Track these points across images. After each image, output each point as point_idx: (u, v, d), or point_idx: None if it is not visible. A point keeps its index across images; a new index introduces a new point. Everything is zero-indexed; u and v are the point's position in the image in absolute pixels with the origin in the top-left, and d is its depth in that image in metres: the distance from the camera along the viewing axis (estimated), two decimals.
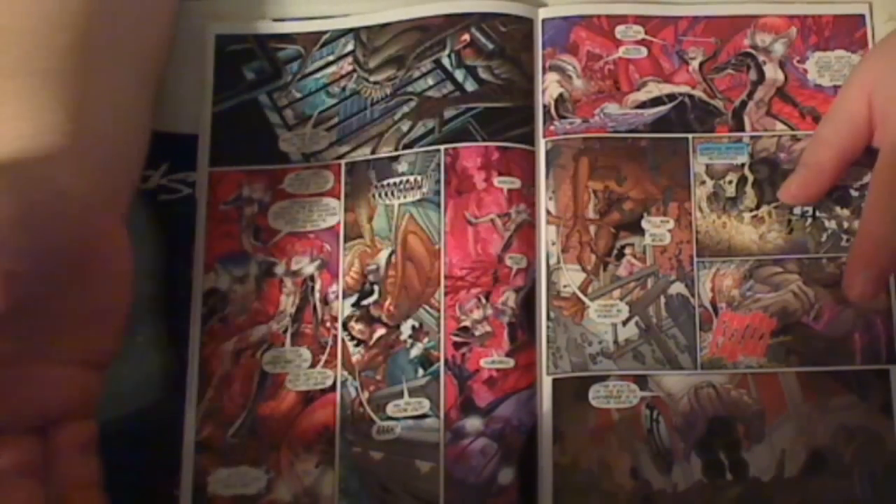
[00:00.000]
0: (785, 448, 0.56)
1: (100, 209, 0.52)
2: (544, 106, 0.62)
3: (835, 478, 0.56)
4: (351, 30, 0.64)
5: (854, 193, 0.59)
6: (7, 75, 0.52)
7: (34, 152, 0.49)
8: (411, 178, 0.60)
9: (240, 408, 0.58)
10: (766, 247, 0.59)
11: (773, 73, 0.62)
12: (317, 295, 0.59)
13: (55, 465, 0.50)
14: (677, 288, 0.59)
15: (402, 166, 0.61)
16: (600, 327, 0.58)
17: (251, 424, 0.57)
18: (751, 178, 0.60)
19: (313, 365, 0.58)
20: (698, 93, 0.62)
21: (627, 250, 0.60)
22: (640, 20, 0.63)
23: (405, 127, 0.61)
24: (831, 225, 0.59)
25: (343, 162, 0.61)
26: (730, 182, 0.60)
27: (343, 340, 0.58)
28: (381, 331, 0.58)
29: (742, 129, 0.61)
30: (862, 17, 0.63)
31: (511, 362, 0.57)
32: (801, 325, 0.58)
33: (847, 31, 0.63)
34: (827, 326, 0.58)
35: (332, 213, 0.60)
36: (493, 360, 0.57)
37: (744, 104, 0.62)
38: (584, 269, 0.59)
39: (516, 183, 0.60)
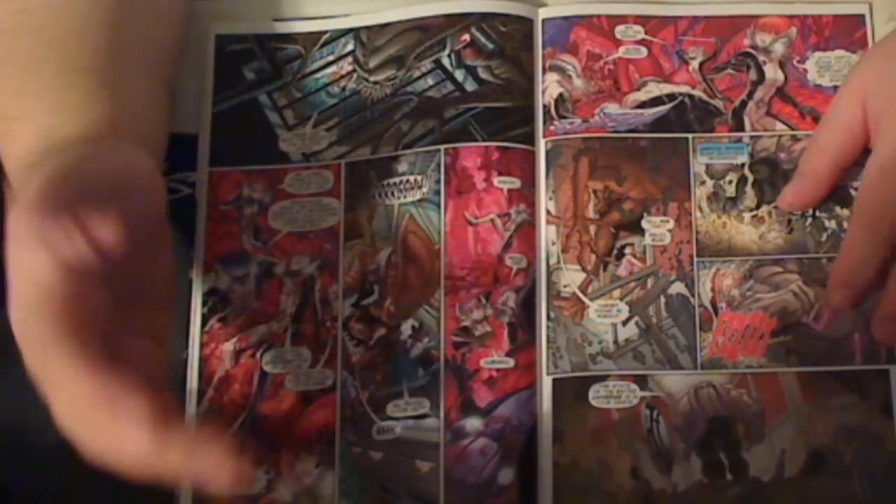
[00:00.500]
0: (785, 448, 0.56)
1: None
2: (544, 106, 0.62)
3: (835, 478, 0.56)
4: (351, 30, 0.64)
5: (854, 193, 0.59)
6: (58, 71, 0.54)
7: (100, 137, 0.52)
8: (411, 178, 0.60)
9: (240, 408, 0.58)
10: (766, 247, 0.59)
11: (773, 73, 0.62)
12: (317, 295, 0.59)
13: None
14: (677, 288, 0.59)
15: (402, 166, 0.61)
16: (600, 327, 0.58)
17: (251, 424, 0.57)
18: (751, 178, 0.60)
19: (313, 365, 0.58)
20: (698, 93, 0.62)
21: (627, 250, 0.60)
22: (640, 20, 0.63)
23: (405, 127, 0.61)
24: (831, 225, 0.59)
25: (343, 162, 0.61)
26: (730, 182, 0.60)
27: (343, 340, 0.58)
28: (381, 331, 0.58)
29: (742, 129, 0.61)
30: (862, 17, 0.63)
31: (511, 362, 0.57)
32: (801, 325, 0.58)
33: (847, 31, 0.63)
34: (827, 326, 0.58)
35: (332, 213, 0.60)
36: (493, 360, 0.57)
37: (744, 104, 0.62)
38: (584, 269, 0.59)
39: (516, 183, 0.60)
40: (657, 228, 0.60)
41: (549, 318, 0.58)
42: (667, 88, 0.62)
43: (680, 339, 0.58)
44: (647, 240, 0.60)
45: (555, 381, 0.57)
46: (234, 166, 0.61)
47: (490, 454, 0.56)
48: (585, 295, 0.59)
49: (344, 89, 0.63)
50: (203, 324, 0.59)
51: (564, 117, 0.62)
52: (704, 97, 0.62)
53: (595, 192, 0.60)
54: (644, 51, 0.63)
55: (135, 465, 0.45)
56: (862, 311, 0.58)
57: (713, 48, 0.63)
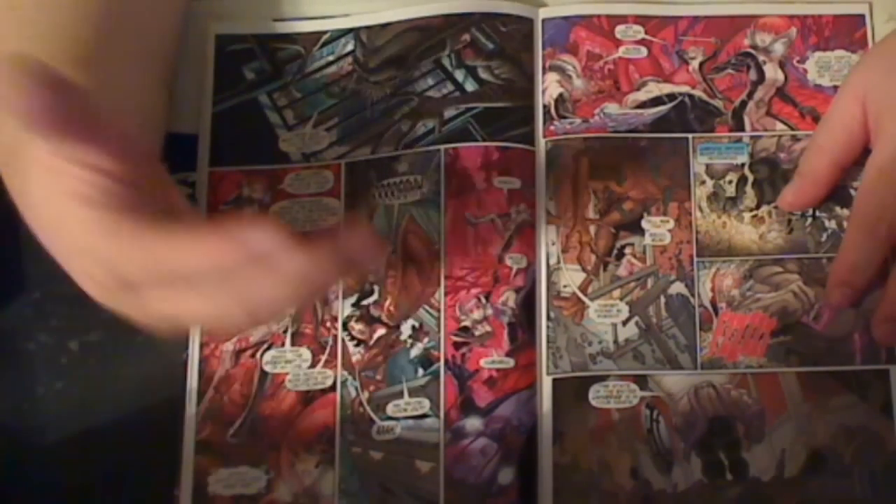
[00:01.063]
0: (785, 448, 0.56)
1: None
2: (544, 106, 0.62)
3: (835, 478, 0.56)
4: (351, 30, 0.64)
5: (854, 193, 0.59)
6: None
7: None
8: (411, 178, 0.60)
9: (240, 408, 0.58)
10: (766, 247, 0.59)
11: (773, 73, 0.62)
12: None
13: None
14: (677, 288, 0.59)
15: (402, 166, 0.61)
16: (600, 327, 0.58)
17: (251, 424, 0.57)
18: (751, 177, 0.60)
19: (313, 365, 0.58)
20: (698, 93, 0.62)
21: (627, 250, 0.60)
22: (640, 20, 0.63)
23: (405, 127, 0.61)
24: (831, 225, 0.59)
25: (343, 162, 0.61)
26: (730, 182, 0.60)
27: (343, 340, 0.58)
28: (381, 331, 0.58)
29: (742, 129, 0.61)
30: (862, 17, 0.63)
31: (511, 362, 0.57)
32: (801, 325, 0.58)
33: (847, 31, 0.63)
34: (827, 326, 0.58)
35: (332, 213, 0.60)
36: (493, 360, 0.57)
37: (744, 104, 0.62)
38: (584, 269, 0.59)
39: (516, 183, 0.60)
40: (657, 228, 0.60)
41: (549, 318, 0.58)
42: (667, 88, 0.62)
43: (680, 339, 0.58)
44: (647, 240, 0.60)
45: (555, 381, 0.57)
46: (234, 166, 0.61)
47: (490, 454, 0.56)
48: (585, 295, 0.59)
49: (344, 89, 0.63)
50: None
51: (564, 117, 0.62)
52: (704, 97, 0.62)
53: (595, 192, 0.60)
54: (644, 51, 0.63)
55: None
56: (862, 311, 0.58)
57: (713, 48, 0.63)
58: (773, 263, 0.59)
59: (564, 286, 0.59)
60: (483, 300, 0.58)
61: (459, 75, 0.62)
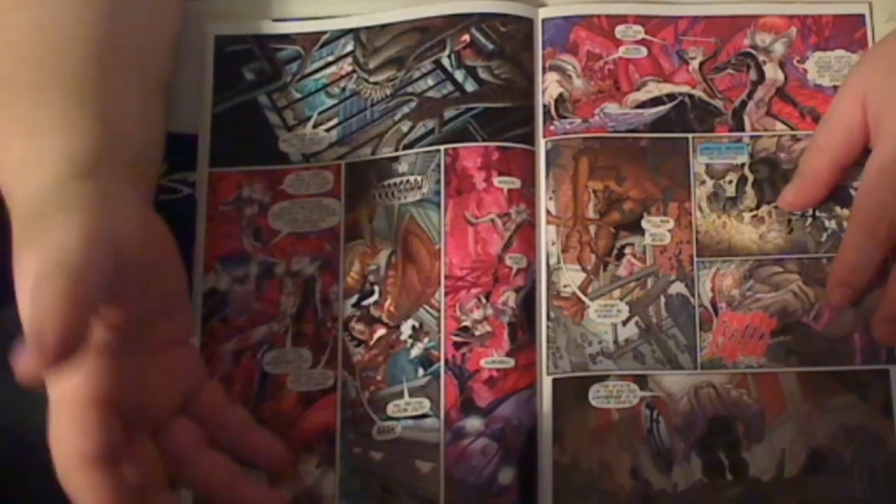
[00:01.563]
0: (785, 448, 0.56)
1: (145, 205, 0.54)
2: (544, 106, 0.62)
3: (835, 478, 0.56)
4: (351, 30, 0.64)
5: (854, 193, 0.59)
6: (37, 89, 0.53)
7: (81, 172, 0.51)
8: (411, 179, 0.60)
9: None
10: (766, 247, 0.59)
11: (773, 73, 0.62)
12: (317, 295, 0.59)
13: (214, 421, 0.54)
14: (677, 288, 0.59)
15: (402, 167, 0.61)
16: (600, 327, 0.58)
17: None
18: (751, 177, 0.60)
19: (314, 365, 0.58)
20: (698, 93, 0.62)
21: (627, 250, 0.60)
22: (640, 20, 0.63)
23: (405, 127, 0.61)
24: (831, 225, 0.59)
25: (343, 162, 0.61)
26: (730, 182, 0.60)
27: (344, 341, 0.58)
28: (381, 331, 0.58)
29: (742, 129, 0.61)
30: (862, 17, 0.63)
31: (511, 362, 0.57)
32: (801, 325, 0.58)
33: (847, 31, 0.63)
34: (827, 326, 0.58)
35: (332, 213, 0.60)
36: (493, 359, 0.57)
37: (744, 104, 0.62)
38: (584, 269, 0.59)
39: (516, 183, 0.60)
40: (657, 228, 0.60)
41: (549, 318, 0.59)
42: (667, 88, 0.62)
43: (680, 339, 0.58)
44: (647, 240, 0.60)
45: (555, 381, 0.57)
46: (234, 167, 0.61)
47: (490, 454, 0.56)
48: (585, 295, 0.59)
49: (344, 90, 0.63)
50: (203, 324, 0.59)
51: (564, 117, 0.62)
52: (704, 97, 0.62)
53: (595, 192, 0.60)
54: (644, 51, 0.63)
55: None
56: (862, 311, 0.58)
57: (713, 48, 0.63)
58: (773, 263, 0.59)
59: (564, 286, 0.59)
60: (483, 300, 0.58)
61: (459, 76, 0.62)
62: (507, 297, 0.58)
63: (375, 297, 0.59)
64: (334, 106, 0.63)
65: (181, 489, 0.56)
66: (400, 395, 0.57)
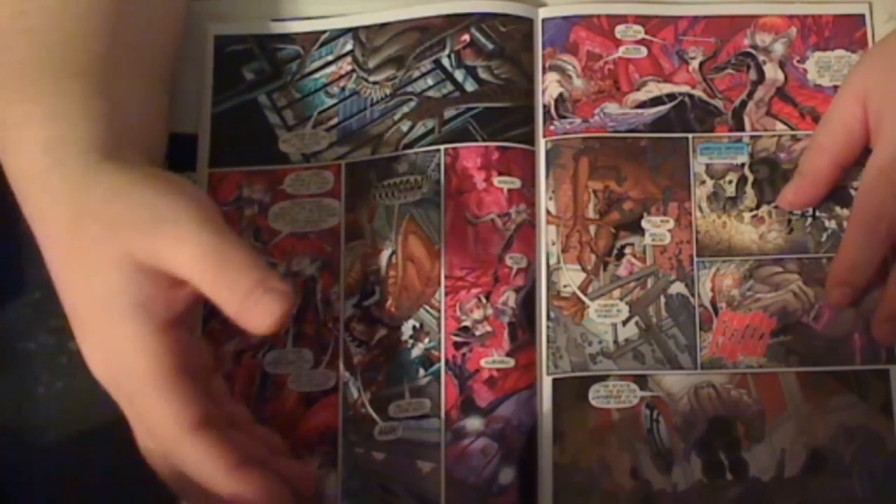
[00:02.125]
0: (785, 448, 0.56)
1: None
2: (544, 106, 0.62)
3: (835, 478, 0.56)
4: (350, 29, 0.64)
5: (854, 193, 0.59)
6: (56, 76, 0.54)
7: (110, 156, 0.53)
8: (411, 179, 0.60)
9: None
10: (766, 247, 0.59)
11: (773, 72, 0.62)
12: (318, 296, 0.59)
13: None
14: (677, 288, 0.59)
15: (402, 166, 0.60)
16: (600, 327, 0.58)
17: None
18: (751, 177, 0.61)
19: (315, 366, 0.58)
20: (698, 93, 0.62)
21: (627, 250, 0.60)
22: (640, 20, 0.63)
23: (405, 127, 0.61)
24: (831, 225, 0.60)
25: (343, 162, 0.61)
26: (730, 182, 0.61)
27: (345, 341, 0.58)
28: (382, 331, 0.58)
29: (742, 129, 0.61)
30: (862, 16, 0.63)
31: (511, 362, 0.57)
32: (801, 325, 0.58)
33: (847, 31, 0.63)
34: (827, 326, 0.58)
35: (332, 213, 0.60)
36: (493, 359, 0.57)
37: (744, 104, 0.62)
38: (584, 269, 0.59)
39: (516, 183, 0.60)
40: (657, 228, 0.60)
41: (549, 318, 0.59)
42: (667, 88, 0.62)
43: (680, 339, 0.58)
44: (647, 240, 0.60)
45: (555, 381, 0.58)
46: (234, 167, 0.61)
47: (490, 454, 0.56)
48: (585, 295, 0.59)
49: (343, 89, 0.63)
50: (204, 324, 0.59)
51: (564, 117, 0.62)
52: (704, 97, 0.62)
53: (595, 192, 0.60)
54: (644, 51, 0.63)
55: None
56: (862, 311, 0.58)
57: (713, 48, 0.63)
58: (773, 263, 0.59)
59: (564, 286, 0.59)
60: (483, 300, 0.58)
61: (459, 75, 0.62)
62: (508, 297, 0.58)
63: (376, 297, 0.59)
64: (334, 106, 0.63)
65: None
66: (401, 395, 0.57)
